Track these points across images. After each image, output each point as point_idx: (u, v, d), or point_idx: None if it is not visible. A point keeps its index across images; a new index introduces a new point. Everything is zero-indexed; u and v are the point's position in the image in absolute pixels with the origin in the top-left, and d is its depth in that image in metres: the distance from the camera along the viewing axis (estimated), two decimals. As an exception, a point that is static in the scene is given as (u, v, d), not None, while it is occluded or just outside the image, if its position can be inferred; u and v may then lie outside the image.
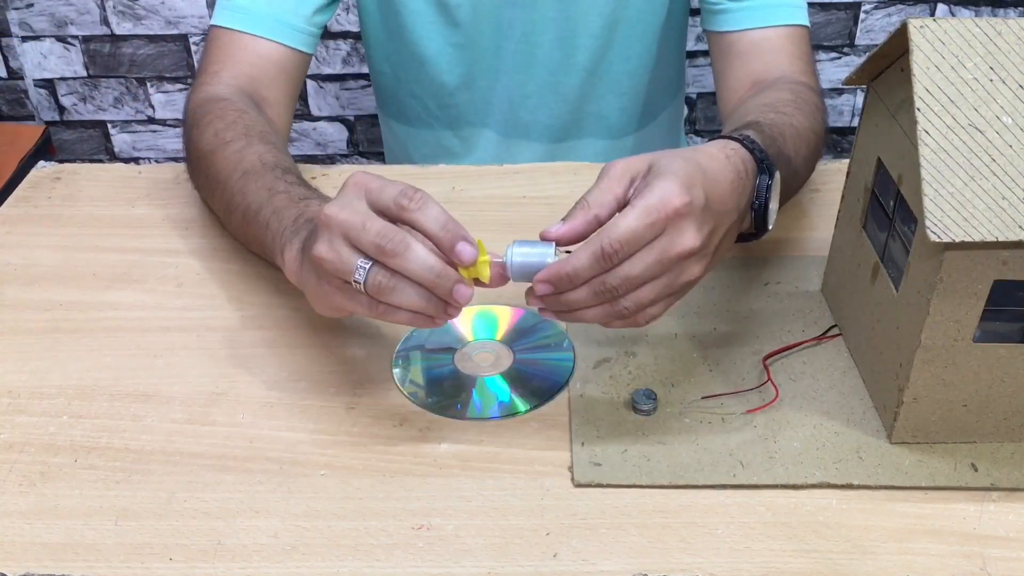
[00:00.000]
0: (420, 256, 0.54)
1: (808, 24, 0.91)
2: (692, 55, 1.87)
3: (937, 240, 0.51)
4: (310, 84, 1.90)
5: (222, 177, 0.75)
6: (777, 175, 0.64)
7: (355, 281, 0.55)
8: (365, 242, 0.54)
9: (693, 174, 0.56)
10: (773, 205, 0.63)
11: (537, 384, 0.65)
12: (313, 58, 1.77)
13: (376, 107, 1.15)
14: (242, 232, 0.74)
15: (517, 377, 0.66)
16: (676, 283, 0.57)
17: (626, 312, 0.57)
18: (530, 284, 0.57)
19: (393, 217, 0.55)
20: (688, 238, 0.55)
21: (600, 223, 0.57)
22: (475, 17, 0.97)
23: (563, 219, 0.57)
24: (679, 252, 0.55)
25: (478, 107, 1.04)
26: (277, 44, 0.88)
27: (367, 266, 0.54)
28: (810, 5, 0.91)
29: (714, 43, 0.95)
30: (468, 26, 0.97)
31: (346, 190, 0.56)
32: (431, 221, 0.54)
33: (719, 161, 0.59)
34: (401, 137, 1.11)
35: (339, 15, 1.82)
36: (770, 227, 0.64)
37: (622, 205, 0.57)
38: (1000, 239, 0.51)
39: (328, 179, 0.90)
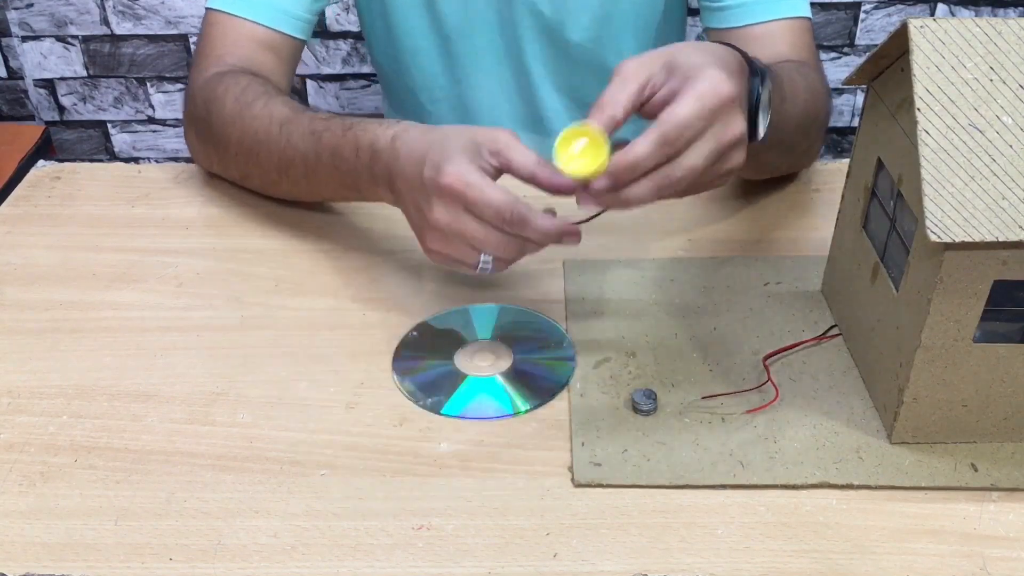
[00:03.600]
0: (542, 225, 0.60)
1: (810, 15, 0.90)
2: (692, 55, 1.86)
3: (937, 240, 0.51)
4: (310, 84, 1.90)
5: (262, 134, 0.77)
6: (769, 81, 0.65)
7: (481, 268, 0.62)
8: (488, 215, 0.60)
9: (726, 63, 0.57)
10: (763, 115, 0.64)
11: (537, 384, 0.65)
12: (313, 58, 1.75)
13: (382, 104, 1.15)
14: (313, 173, 0.76)
15: (517, 377, 0.66)
16: (722, 169, 0.59)
17: (674, 193, 0.58)
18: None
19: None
20: (737, 125, 0.57)
21: (617, 124, 0.57)
22: (463, 10, 0.97)
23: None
24: (731, 139, 0.57)
25: (469, 102, 1.04)
26: (273, 30, 0.88)
27: (490, 262, 0.62)
28: (810, 5, 0.91)
29: (715, 40, 0.94)
30: (455, 19, 0.97)
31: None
32: (520, 167, 0.61)
33: (725, 50, 0.60)
34: None
35: (339, 15, 1.81)
36: (760, 136, 0.64)
37: (638, 106, 0.58)
38: (1000, 239, 0.51)
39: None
